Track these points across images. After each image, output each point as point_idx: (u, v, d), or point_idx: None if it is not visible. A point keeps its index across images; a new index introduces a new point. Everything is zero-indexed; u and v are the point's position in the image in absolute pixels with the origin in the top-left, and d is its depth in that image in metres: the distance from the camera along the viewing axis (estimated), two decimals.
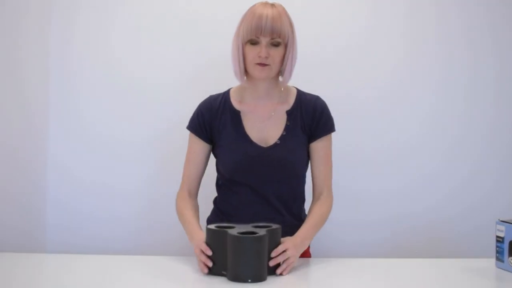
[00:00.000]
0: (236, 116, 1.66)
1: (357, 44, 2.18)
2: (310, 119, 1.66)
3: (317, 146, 1.66)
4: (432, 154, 2.22)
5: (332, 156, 1.69)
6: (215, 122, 1.66)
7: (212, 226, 1.45)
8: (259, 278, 1.40)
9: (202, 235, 1.49)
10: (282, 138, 1.65)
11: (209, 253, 1.41)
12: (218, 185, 1.74)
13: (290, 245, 1.45)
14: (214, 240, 1.43)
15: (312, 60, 2.09)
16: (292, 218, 1.69)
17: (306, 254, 1.74)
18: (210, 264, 1.41)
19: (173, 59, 2.17)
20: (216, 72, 2.02)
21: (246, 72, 1.64)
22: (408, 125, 2.22)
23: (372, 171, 2.21)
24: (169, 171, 2.08)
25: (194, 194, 1.71)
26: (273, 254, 1.42)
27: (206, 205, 1.82)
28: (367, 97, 2.19)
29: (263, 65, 1.57)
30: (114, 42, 2.17)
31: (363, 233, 2.20)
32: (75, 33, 2.14)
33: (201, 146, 1.65)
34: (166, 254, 1.80)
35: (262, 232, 1.40)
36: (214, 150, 1.71)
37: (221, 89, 1.79)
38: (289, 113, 1.67)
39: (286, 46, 1.60)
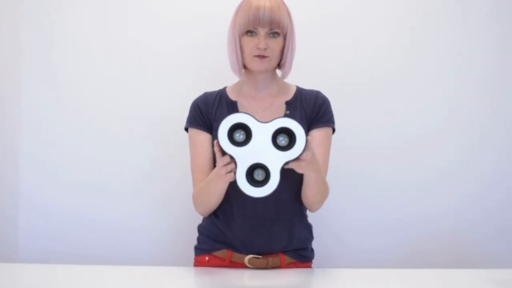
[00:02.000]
0: (232, 106, 1.59)
1: (366, 36, 2.09)
2: (311, 109, 1.60)
3: (315, 134, 1.57)
4: (451, 152, 2.11)
5: (329, 154, 1.60)
6: (211, 115, 1.60)
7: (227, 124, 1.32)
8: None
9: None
10: None
11: (227, 160, 1.32)
12: None
13: (310, 154, 1.34)
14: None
15: (318, 55, 2.05)
16: (293, 218, 1.60)
17: (307, 265, 1.65)
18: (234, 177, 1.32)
19: (169, 56, 2.08)
20: (214, 73, 1.97)
21: (243, 65, 1.58)
22: (424, 121, 2.11)
23: (384, 170, 2.08)
24: (163, 172, 2.03)
25: None
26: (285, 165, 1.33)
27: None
28: (378, 92, 2.09)
29: (261, 57, 1.52)
30: (95, 31, 2.08)
31: (372, 239, 2.09)
32: (50, 24, 2.06)
33: (205, 137, 1.58)
34: (158, 264, 1.75)
35: (275, 177, 1.28)
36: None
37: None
38: (289, 103, 1.61)
39: (285, 37, 1.54)
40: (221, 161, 1.33)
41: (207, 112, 1.61)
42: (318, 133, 1.58)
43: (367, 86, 2.08)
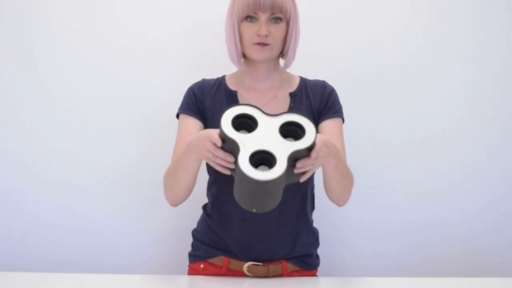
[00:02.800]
0: (231, 96, 1.54)
1: (377, 21, 2.00)
2: (318, 100, 1.55)
3: (326, 125, 1.52)
4: (469, 152, 2.01)
5: (344, 144, 1.54)
6: (207, 101, 1.54)
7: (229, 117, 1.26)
8: (266, 208, 1.25)
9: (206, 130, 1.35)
10: None
11: (219, 144, 1.25)
12: (210, 188, 1.59)
13: (320, 143, 1.25)
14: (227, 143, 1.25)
15: (323, 43, 1.97)
16: (297, 221, 1.53)
17: (311, 273, 1.59)
18: (232, 159, 1.24)
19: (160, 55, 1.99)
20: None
21: (242, 54, 1.52)
22: (439, 117, 2.02)
23: (395, 170, 1.99)
24: (152, 169, 1.90)
25: None
26: (299, 165, 1.24)
27: (195, 213, 1.65)
28: (389, 84, 2.00)
29: (262, 45, 1.45)
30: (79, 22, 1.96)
31: (383, 244, 2.00)
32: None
33: (194, 123, 1.51)
34: (148, 272, 1.72)
35: (281, 163, 1.19)
36: None
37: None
38: (293, 95, 1.55)
39: (288, 23, 1.48)
40: (215, 151, 1.27)
41: (202, 99, 1.55)
42: (329, 125, 1.53)
43: (377, 77, 1.99)
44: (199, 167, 1.42)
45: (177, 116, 1.57)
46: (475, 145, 2.02)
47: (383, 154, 2.00)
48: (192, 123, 1.52)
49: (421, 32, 2.00)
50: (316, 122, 1.54)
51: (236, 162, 1.22)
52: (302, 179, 1.28)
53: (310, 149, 1.23)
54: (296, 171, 1.25)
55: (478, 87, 2.01)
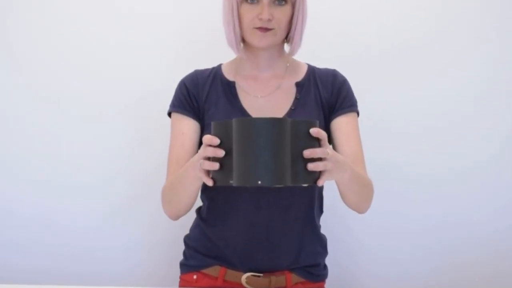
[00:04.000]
0: (229, 88, 1.48)
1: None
2: (329, 92, 1.49)
3: (340, 121, 1.47)
4: (498, 142, 1.95)
5: (361, 140, 1.50)
6: (201, 97, 1.48)
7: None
8: (275, 180, 1.11)
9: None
10: (290, 113, 1.45)
11: (216, 141, 1.15)
12: (205, 189, 1.52)
13: (331, 152, 1.20)
14: (220, 135, 1.16)
15: (331, 27, 1.91)
16: (303, 227, 1.47)
17: (319, 285, 1.53)
18: (216, 166, 1.15)
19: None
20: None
21: (242, 39, 1.46)
22: (460, 102, 1.95)
23: (411, 164, 1.93)
24: (139, 166, 1.89)
25: None
26: (306, 153, 1.14)
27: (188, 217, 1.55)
28: (403, 67, 1.94)
29: (264, 29, 1.38)
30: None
31: (400, 252, 1.95)
32: None
33: (189, 123, 1.46)
34: (134, 284, 1.73)
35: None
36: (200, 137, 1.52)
37: None
38: (300, 84, 1.49)
39: (293, 5, 1.42)
40: (204, 150, 1.17)
41: (196, 94, 1.49)
42: (344, 120, 1.48)
43: (390, 62, 1.94)
44: (200, 185, 1.36)
45: (169, 114, 1.52)
46: (502, 135, 1.96)
47: (397, 147, 1.94)
48: (187, 125, 1.46)
49: (440, 8, 1.94)
50: (326, 117, 1.49)
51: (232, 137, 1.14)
52: (320, 182, 1.18)
53: (312, 126, 1.16)
54: (309, 167, 1.15)
55: (504, 74, 1.95)
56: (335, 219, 1.68)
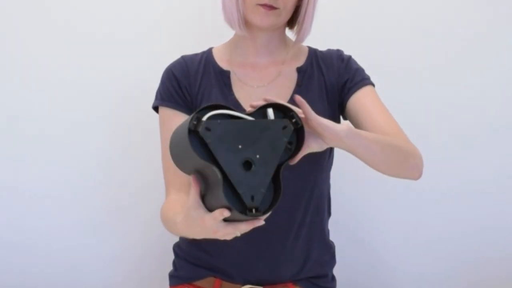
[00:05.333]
0: (224, 77, 1.41)
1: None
2: (335, 72, 1.42)
3: (357, 98, 1.38)
4: None
5: (387, 109, 1.40)
6: (193, 87, 1.41)
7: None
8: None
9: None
10: (291, 102, 1.36)
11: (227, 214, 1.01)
12: None
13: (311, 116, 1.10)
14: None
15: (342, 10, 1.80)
16: (309, 233, 1.40)
17: None
18: (243, 229, 1.04)
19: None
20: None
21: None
22: (492, 98, 1.84)
23: (432, 163, 1.69)
24: (122, 170, 1.81)
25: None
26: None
27: None
28: (425, 57, 1.81)
29: (269, 7, 1.31)
30: None
31: (419, 261, 1.85)
32: None
33: (182, 119, 1.33)
34: None
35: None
36: None
37: None
38: (301, 70, 1.42)
39: None
40: (224, 229, 1.05)
41: (188, 85, 1.41)
42: (360, 96, 1.40)
43: (408, 50, 1.83)
44: None
45: (155, 108, 1.44)
46: None
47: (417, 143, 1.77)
48: (180, 121, 1.36)
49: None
50: (332, 104, 1.41)
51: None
52: (293, 160, 1.08)
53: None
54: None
55: None
56: (343, 224, 1.60)
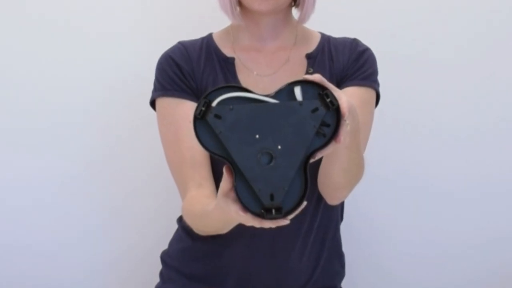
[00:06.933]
0: (228, 64, 1.33)
1: None
2: (345, 60, 1.34)
3: (351, 91, 1.30)
4: None
5: (372, 121, 1.33)
6: (198, 74, 1.32)
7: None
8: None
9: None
10: None
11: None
12: None
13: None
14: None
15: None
16: (319, 239, 1.32)
17: None
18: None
19: None
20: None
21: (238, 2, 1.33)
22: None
23: (448, 162, 1.71)
24: (106, 170, 1.71)
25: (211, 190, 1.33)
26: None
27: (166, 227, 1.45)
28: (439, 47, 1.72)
29: None
30: None
31: (436, 273, 1.76)
32: None
33: (191, 107, 1.25)
34: None
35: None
36: None
37: None
38: (311, 56, 1.34)
39: None
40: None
41: (192, 72, 1.31)
42: (357, 92, 1.31)
43: (423, 40, 1.74)
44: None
45: (152, 103, 1.34)
46: None
47: (430, 142, 1.75)
48: (188, 108, 1.28)
49: None
50: (341, 84, 1.35)
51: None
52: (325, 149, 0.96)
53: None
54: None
55: None
56: (352, 230, 1.54)
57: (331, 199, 1.30)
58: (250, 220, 0.91)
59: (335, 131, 0.89)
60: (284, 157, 0.86)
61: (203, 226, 1.26)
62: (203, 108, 0.86)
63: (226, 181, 0.94)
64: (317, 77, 0.91)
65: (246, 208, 0.88)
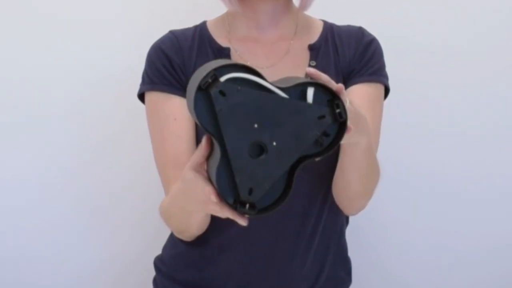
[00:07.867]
0: (223, 56, 1.28)
1: None
2: (351, 52, 1.28)
3: (359, 90, 1.25)
4: None
5: (381, 122, 1.29)
6: (188, 66, 1.26)
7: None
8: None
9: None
10: None
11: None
12: None
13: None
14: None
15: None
16: (323, 244, 1.26)
17: None
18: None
19: None
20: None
21: None
22: None
23: (462, 163, 1.67)
24: (94, 170, 1.66)
25: None
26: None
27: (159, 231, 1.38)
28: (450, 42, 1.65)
29: None
30: None
31: (449, 281, 1.71)
32: None
33: (181, 104, 1.22)
34: None
35: None
36: None
37: None
38: (314, 47, 1.28)
39: None
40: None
41: (182, 64, 1.25)
42: (366, 89, 1.25)
43: (431, 31, 1.65)
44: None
45: (141, 96, 1.29)
46: None
47: (442, 142, 1.70)
48: (179, 106, 1.23)
49: None
50: (348, 80, 1.31)
51: None
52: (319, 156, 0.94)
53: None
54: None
55: None
56: (359, 235, 1.48)
57: (350, 209, 1.27)
58: (217, 207, 0.88)
59: (332, 143, 0.85)
60: (276, 155, 0.83)
61: (169, 216, 1.22)
62: (210, 80, 0.82)
63: (200, 151, 0.90)
64: (339, 87, 0.88)
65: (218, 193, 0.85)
